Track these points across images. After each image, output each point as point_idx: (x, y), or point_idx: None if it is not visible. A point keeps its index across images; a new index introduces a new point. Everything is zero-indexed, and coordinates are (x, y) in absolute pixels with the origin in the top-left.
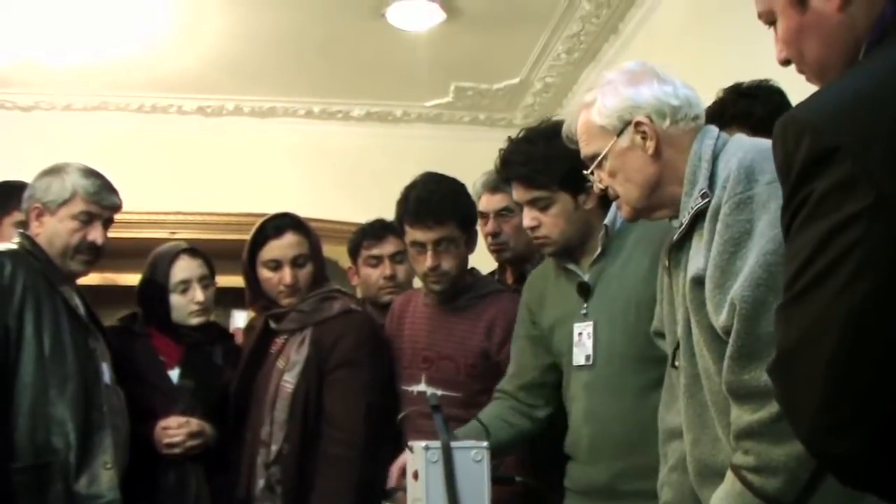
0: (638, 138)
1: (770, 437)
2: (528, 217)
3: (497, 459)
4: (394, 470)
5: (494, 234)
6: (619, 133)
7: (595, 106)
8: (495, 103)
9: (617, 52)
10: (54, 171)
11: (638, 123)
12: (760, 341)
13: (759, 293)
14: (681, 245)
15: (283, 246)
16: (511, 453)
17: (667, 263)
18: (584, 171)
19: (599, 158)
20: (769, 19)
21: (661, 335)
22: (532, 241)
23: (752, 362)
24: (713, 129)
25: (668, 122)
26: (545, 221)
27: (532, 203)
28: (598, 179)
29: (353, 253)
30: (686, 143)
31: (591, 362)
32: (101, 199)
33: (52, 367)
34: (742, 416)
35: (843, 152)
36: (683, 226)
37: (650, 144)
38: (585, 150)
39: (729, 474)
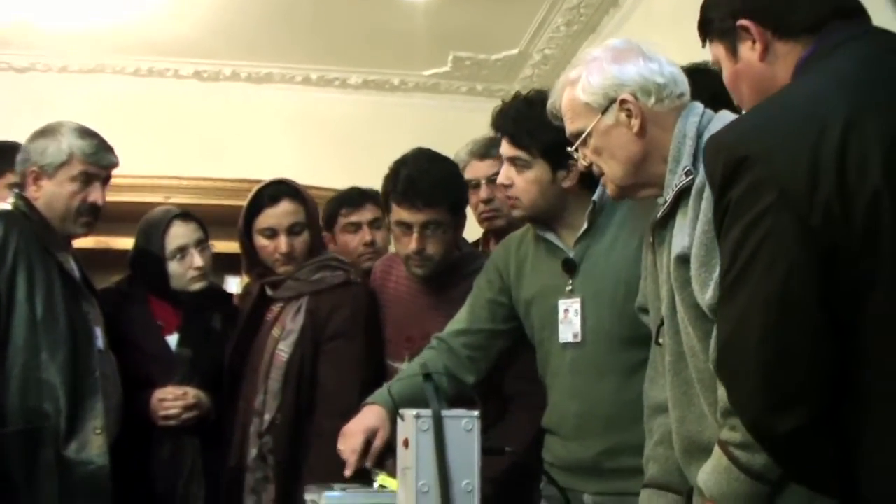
0: (623, 116)
1: None
2: (504, 174)
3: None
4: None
5: (487, 201)
6: (604, 111)
7: (580, 83)
8: (493, 74)
9: (616, 25)
10: (48, 131)
11: (623, 101)
12: None
13: None
14: (665, 222)
15: (279, 214)
16: None
17: (651, 240)
18: (569, 148)
19: (584, 136)
20: (719, 67)
21: (645, 311)
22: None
23: None
24: (698, 106)
25: (653, 99)
26: (518, 183)
27: (511, 161)
28: (583, 157)
29: (330, 221)
30: (671, 120)
31: (579, 339)
32: (100, 158)
33: (44, 331)
34: None
35: (751, 160)
36: (667, 203)
37: (635, 122)
38: (570, 127)
39: (716, 450)
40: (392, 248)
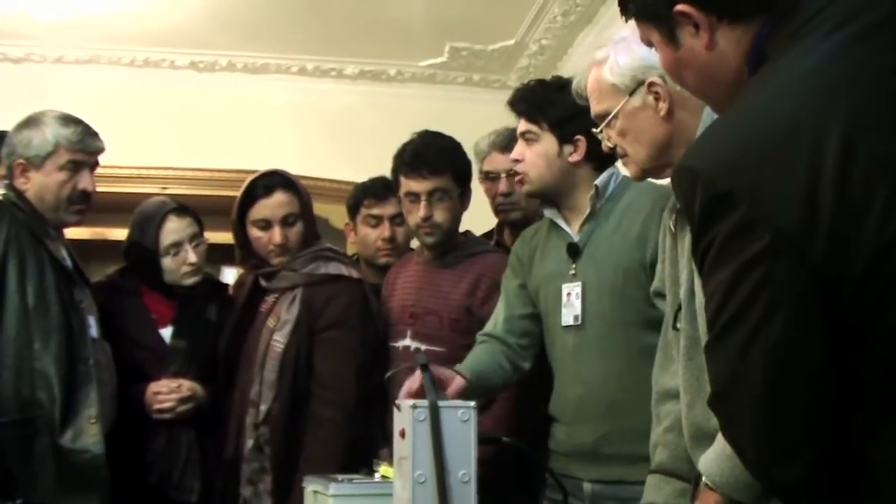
0: (650, 99)
1: None
2: (516, 150)
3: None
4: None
5: (507, 194)
6: (632, 92)
7: (608, 63)
8: (490, 64)
9: (613, 16)
10: (31, 122)
11: (651, 84)
12: None
13: None
14: None
15: (273, 205)
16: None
17: (672, 225)
18: (594, 130)
19: (610, 118)
20: (649, 45)
21: (661, 295)
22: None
23: None
24: None
25: None
26: (527, 157)
27: (523, 136)
28: (607, 138)
29: (353, 210)
30: (698, 104)
31: (579, 322)
32: (86, 145)
33: (36, 321)
34: None
35: (737, 196)
36: None
37: (663, 106)
38: (596, 107)
39: (719, 437)
40: (414, 245)
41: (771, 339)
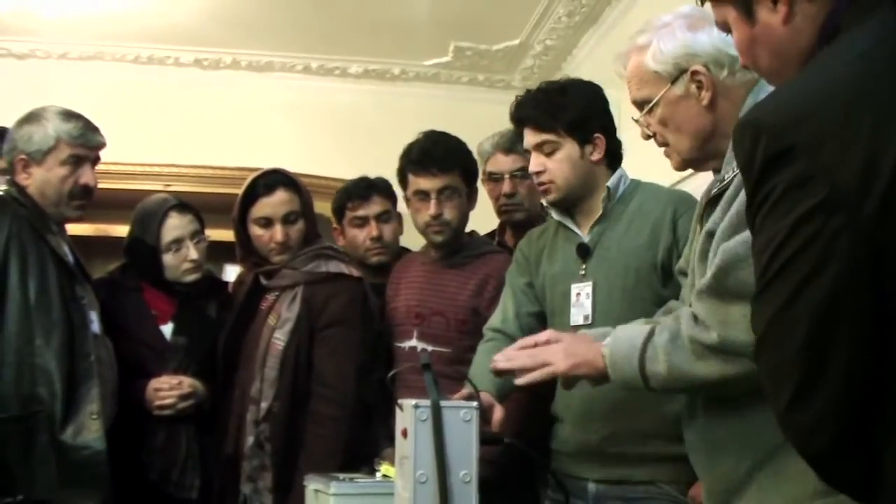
0: (693, 87)
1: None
2: (535, 162)
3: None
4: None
5: (510, 195)
6: (674, 80)
7: (650, 50)
8: (494, 64)
9: (619, 17)
10: (32, 118)
11: (694, 72)
12: (726, 289)
13: (741, 249)
14: (717, 200)
15: (274, 203)
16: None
17: (701, 214)
18: (634, 118)
19: (651, 105)
20: (725, 28)
21: (685, 275)
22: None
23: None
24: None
25: (725, 72)
26: (550, 167)
27: (539, 147)
28: (646, 125)
29: (338, 213)
30: (741, 95)
31: (589, 322)
32: (87, 140)
33: (38, 317)
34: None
35: (798, 151)
36: (725, 181)
37: (705, 95)
38: (636, 94)
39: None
40: (408, 240)
41: (818, 293)
